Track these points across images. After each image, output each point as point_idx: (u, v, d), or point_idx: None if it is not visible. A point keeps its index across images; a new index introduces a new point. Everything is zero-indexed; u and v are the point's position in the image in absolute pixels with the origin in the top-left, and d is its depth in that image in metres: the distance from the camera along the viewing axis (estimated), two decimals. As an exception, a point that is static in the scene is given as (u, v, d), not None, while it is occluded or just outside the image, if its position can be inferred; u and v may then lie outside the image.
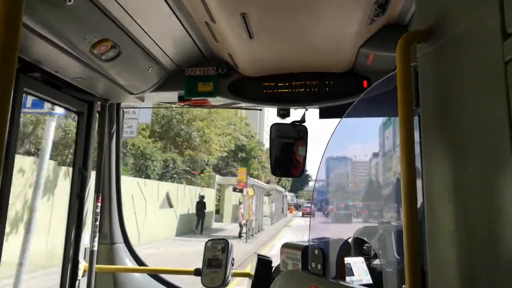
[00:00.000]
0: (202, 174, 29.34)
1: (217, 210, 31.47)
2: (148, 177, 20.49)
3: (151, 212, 18.23)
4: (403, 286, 1.07)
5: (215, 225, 28.41)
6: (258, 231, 25.94)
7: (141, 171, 21.10)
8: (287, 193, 56.42)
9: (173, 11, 1.76)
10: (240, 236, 21.76)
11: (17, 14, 0.89)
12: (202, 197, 24.48)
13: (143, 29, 1.86)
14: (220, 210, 31.65)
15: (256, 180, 28.80)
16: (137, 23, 1.80)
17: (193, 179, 27.68)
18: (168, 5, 1.71)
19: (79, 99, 2.39)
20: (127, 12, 1.71)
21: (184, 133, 25.31)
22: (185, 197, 23.95)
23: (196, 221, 23.79)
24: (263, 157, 41.56)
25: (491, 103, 0.77)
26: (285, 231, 28.56)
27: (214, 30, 1.91)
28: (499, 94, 0.73)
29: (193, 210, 24.14)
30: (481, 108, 0.81)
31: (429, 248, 0.94)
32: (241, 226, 22.21)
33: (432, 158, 0.95)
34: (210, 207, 27.01)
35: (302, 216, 63.69)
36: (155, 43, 2.01)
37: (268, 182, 41.18)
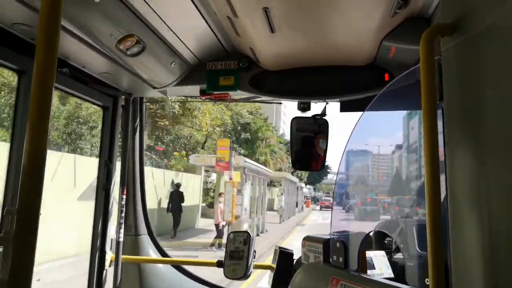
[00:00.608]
0: (176, 153, 22.33)
1: (211, 204, 23.14)
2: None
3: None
4: (426, 280, 1.07)
5: (202, 223, 21.54)
6: (258, 234, 19.01)
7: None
8: (303, 185, 51.26)
9: (196, 6, 1.78)
10: (212, 245, 14.59)
11: (57, 16, 0.93)
12: (177, 185, 18.26)
13: (166, 24, 1.90)
14: (215, 203, 22.09)
15: (251, 161, 20.09)
16: (161, 19, 1.84)
17: (167, 161, 21.03)
18: (192, 0, 1.73)
19: (104, 93, 2.45)
20: (151, 8, 1.74)
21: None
22: (164, 185, 18.31)
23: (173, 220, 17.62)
24: (273, 140, 36.68)
25: None
26: (295, 234, 20.54)
27: (236, 25, 1.93)
28: None
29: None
30: (505, 103, 0.80)
31: (453, 243, 0.94)
32: (218, 230, 14.90)
33: (455, 152, 0.95)
34: (195, 198, 20.99)
35: (320, 209, 60.09)
36: (178, 38, 2.04)
37: (279, 170, 35.52)
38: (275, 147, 37.64)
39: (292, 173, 38.19)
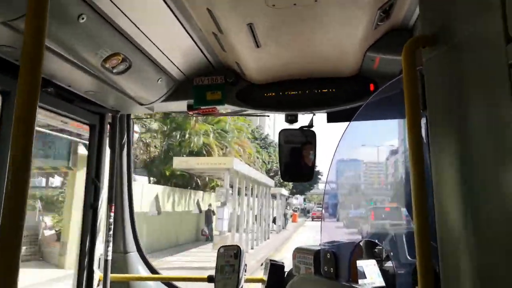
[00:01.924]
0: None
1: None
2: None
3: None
4: (416, 287, 1.08)
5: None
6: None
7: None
8: (284, 191, 37.71)
9: (181, 23, 1.80)
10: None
11: (40, 37, 0.93)
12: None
13: (152, 42, 1.90)
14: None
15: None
16: (146, 36, 1.85)
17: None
18: (176, 17, 1.74)
19: (90, 111, 2.44)
20: (136, 26, 1.75)
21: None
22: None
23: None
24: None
25: (496, 105, 0.79)
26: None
27: (221, 40, 1.94)
28: (503, 96, 0.75)
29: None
30: (486, 110, 0.82)
31: (441, 250, 0.95)
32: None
33: (440, 160, 0.96)
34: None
35: (312, 220, 55.43)
36: (164, 54, 2.05)
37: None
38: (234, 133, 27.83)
39: (268, 173, 34.18)
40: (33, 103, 0.91)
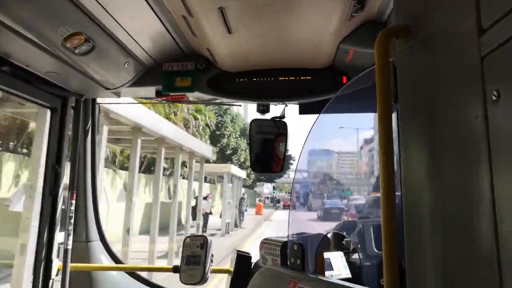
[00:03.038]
0: None
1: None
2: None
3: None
4: (381, 280, 1.07)
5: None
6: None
7: None
8: (239, 173, 26.17)
9: (149, 5, 1.72)
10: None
11: None
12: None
13: (118, 23, 1.81)
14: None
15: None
16: (112, 17, 1.75)
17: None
18: None
19: (52, 94, 2.31)
20: (101, 5, 1.65)
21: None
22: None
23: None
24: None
25: (467, 97, 0.78)
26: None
27: (192, 25, 1.88)
28: (475, 89, 0.74)
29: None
30: (457, 103, 0.82)
31: (406, 243, 0.95)
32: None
33: (409, 153, 0.96)
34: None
35: (284, 208, 52.36)
36: (131, 37, 1.96)
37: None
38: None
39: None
40: None
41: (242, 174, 26.82)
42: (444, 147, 0.85)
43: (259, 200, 49.87)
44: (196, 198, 18.73)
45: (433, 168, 0.87)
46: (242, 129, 42.42)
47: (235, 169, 24.61)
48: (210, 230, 20.89)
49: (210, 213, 20.87)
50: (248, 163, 31.21)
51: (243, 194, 20.40)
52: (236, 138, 40.67)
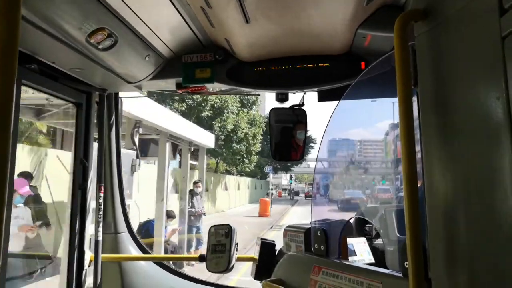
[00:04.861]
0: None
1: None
2: None
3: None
4: (405, 263, 1.08)
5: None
6: None
7: None
8: (208, 138, 12.50)
9: None
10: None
11: (16, 6, 0.89)
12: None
13: (139, 17, 1.85)
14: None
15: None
16: (132, 11, 1.79)
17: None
18: None
19: (77, 89, 2.38)
20: (122, 0, 1.69)
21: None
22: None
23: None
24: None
25: (488, 78, 0.78)
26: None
27: (210, 16, 1.89)
28: (496, 69, 0.74)
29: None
30: (478, 84, 0.81)
31: (430, 226, 0.95)
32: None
33: (431, 136, 0.96)
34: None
35: (305, 198, 47.44)
36: (152, 30, 2.00)
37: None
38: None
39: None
40: (10, 78, 0.86)
41: (207, 139, 13.03)
42: (465, 128, 0.85)
43: (267, 194, 36.02)
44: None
45: (454, 150, 0.87)
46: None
47: (183, 127, 10.48)
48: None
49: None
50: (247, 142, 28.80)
51: (197, 181, 11.55)
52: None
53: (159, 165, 8.71)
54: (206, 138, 12.94)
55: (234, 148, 29.07)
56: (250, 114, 31.91)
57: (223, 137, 27.20)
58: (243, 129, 29.14)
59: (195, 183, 11.53)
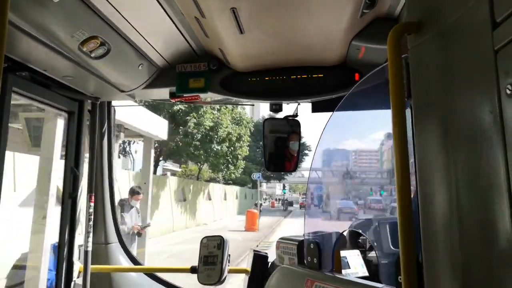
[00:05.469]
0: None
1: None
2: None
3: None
4: (399, 277, 1.07)
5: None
6: None
7: None
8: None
9: (162, 7, 1.74)
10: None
11: (3, 11, 0.87)
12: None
13: (132, 26, 1.84)
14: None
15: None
16: (126, 20, 1.78)
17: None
18: (157, 0, 1.68)
19: (69, 98, 2.36)
20: (115, 9, 1.68)
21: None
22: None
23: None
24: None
25: (481, 92, 0.77)
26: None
27: (204, 26, 1.89)
28: (489, 83, 0.73)
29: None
30: (471, 98, 0.81)
31: (424, 240, 0.94)
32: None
33: (424, 149, 0.95)
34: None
35: (300, 208, 45.26)
36: (145, 39, 1.99)
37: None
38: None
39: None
40: None
41: (154, 127, 10.63)
42: (458, 142, 0.84)
43: (255, 205, 32.34)
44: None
45: (447, 162, 0.87)
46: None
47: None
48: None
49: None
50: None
51: (136, 190, 8.80)
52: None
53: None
54: (153, 125, 9.80)
55: (215, 150, 23.83)
56: (236, 112, 26.28)
57: (199, 135, 22.35)
58: (225, 127, 23.76)
59: (133, 192, 8.64)
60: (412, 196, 0.95)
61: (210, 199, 27.82)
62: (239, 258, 10.98)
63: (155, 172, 22.37)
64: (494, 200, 0.73)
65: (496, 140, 0.72)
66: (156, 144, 22.51)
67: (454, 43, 0.86)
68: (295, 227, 21.97)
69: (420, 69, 0.97)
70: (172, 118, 21.58)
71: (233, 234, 18.08)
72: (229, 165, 26.05)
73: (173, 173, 29.45)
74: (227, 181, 34.39)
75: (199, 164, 27.01)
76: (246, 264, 2.23)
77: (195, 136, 22.14)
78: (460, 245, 0.83)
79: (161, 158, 24.92)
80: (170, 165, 33.09)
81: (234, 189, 37.20)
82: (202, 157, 23.43)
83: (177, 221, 21.10)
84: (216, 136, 23.14)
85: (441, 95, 0.90)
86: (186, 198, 23.07)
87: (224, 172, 27.27)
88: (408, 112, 0.99)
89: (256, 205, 32.24)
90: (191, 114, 21.78)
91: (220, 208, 30.23)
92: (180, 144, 22.13)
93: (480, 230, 0.78)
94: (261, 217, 26.90)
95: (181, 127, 21.84)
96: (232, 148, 25.20)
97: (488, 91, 0.74)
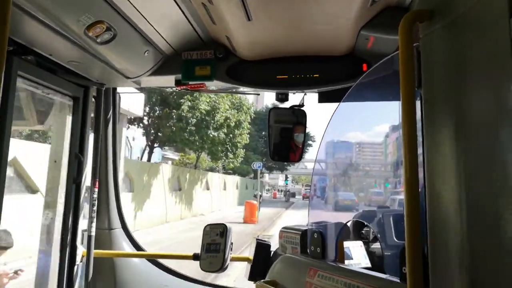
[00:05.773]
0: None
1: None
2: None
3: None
4: (403, 268, 1.06)
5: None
6: None
7: None
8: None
9: None
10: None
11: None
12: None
13: (139, 11, 1.82)
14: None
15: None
16: (132, 5, 1.76)
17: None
18: None
19: (74, 83, 2.35)
20: None
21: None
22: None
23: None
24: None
25: (497, 82, 0.76)
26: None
27: (211, 12, 1.87)
28: (505, 72, 0.72)
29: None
30: (486, 88, 0.79)
31: (430, 231, 0.93)
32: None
33: (434, 140, 0.94)
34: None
35: (303, 199, 45.75)
36: (152, 26, 1.97)
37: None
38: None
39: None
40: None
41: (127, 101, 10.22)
42: (469, 133, 0.83)
43: (254, 196, 31.44)
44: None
45: (458, 154, 0.85)
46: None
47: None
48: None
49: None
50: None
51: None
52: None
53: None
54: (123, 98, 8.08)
55: (211, 136, 21.85)
56: (235, 97, 24.07)
57: (194, 120, 20.39)
58: (223, 112, 22.08)
59: None
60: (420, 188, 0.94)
61: (208, 188, 27.02)
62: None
63: (149, 160, 21.90)
64: (504, 193, 0.72)
65: (511, 133, 0.70)
66: (149, 128, 21.60)
67: (468, 32, 0.84)
68: (297, 219, 21.29)
69: (432, 58, 0.95)
70: (165, 102, 20.24)
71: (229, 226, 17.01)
72: (228, 153, 24.70)
73: (175, 162, 28.94)
74: (227, 171, 33.41)
75: (197, 152, 25.51)
76: (249, 252, 2.24)
77: (190, 121, 20.37)
78: (468, 237, 0.82)
79: (156, 145, 23.51)
80: (170, 154, 32.56)
81: (235, 179, 36.35)
82: (197, 143, 21.62)
83: (171, 211, 20.24)
84: (212, 122, 21.49)
85: (453, 85, 0.88)
86: (181, 187, 22.26)
87: (223, 160, 25.72)
88: (417, 102, 0.97)
89: (255, 196, 30.94)
90: (185, 97, 19.92)
91: (219, 199, 29.48)
92: (174, 129, 20.58)
93: (488, 225, 0.77)
94: (262, 208, 26.24)
95: (174, 111, 20.20)
96: (231, 135, 23.82)
97: (504, 81, 0.72)
